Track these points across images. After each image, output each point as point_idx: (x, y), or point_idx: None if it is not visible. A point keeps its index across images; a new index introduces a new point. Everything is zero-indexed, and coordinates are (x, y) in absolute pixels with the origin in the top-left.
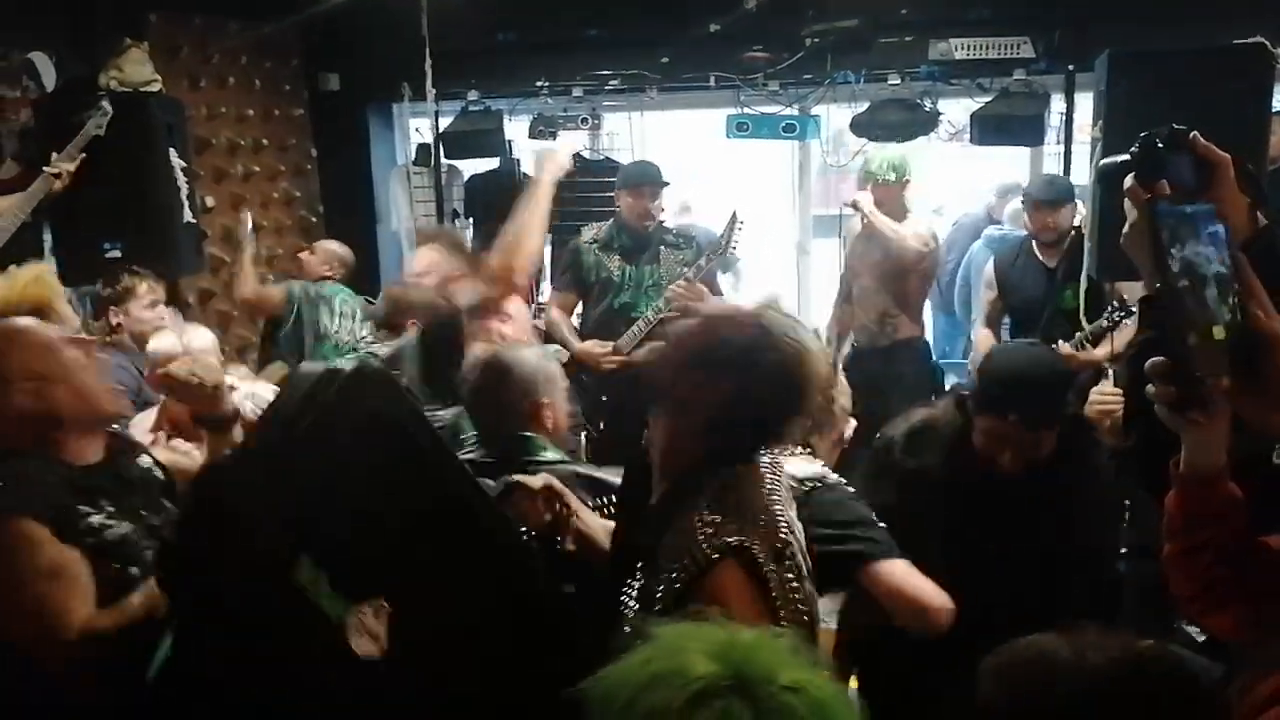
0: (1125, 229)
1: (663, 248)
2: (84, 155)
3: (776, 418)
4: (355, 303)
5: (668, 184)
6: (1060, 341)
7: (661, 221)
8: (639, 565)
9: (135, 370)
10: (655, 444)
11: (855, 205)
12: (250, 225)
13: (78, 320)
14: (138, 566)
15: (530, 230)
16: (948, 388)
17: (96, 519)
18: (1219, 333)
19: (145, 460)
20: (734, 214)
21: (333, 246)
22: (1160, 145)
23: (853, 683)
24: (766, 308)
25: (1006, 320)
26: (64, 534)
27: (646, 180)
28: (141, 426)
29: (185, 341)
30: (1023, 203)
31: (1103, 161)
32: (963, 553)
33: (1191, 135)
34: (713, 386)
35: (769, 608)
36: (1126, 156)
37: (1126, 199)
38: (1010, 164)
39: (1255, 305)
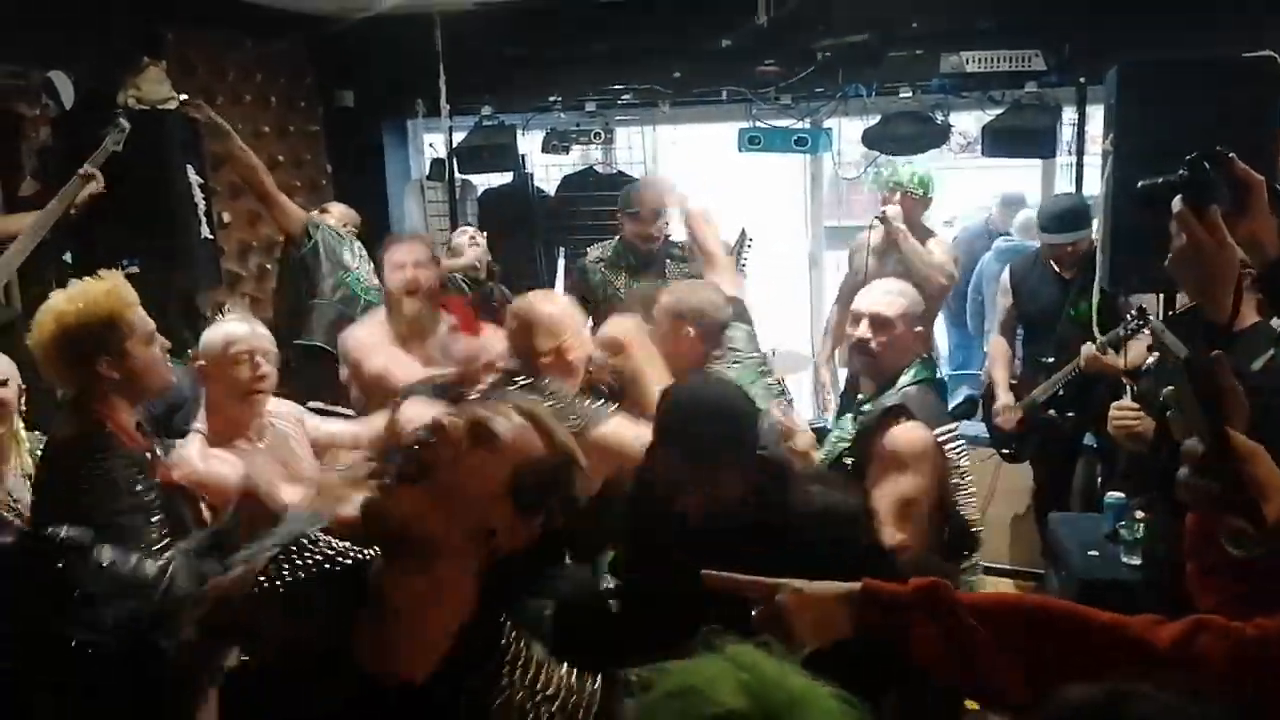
0: (1173, 249)
1: (668, 261)
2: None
3: None
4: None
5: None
6: (1085, 344)
7: (667, 236)
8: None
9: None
10: None
11: (884, 219)
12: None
13: (151, 325)
14: None
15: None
16: (955, 401)
17: None
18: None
19: None
20: (743, 230)
21: (345, 207)
22: (1209, 168)
23: None
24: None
25: (1020, 330)
26: None
27: (650, 201)
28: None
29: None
30: (1039, 231)
31: (1142, 183)
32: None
33: (1230, 157)
34: None
35: None
36: (1173, 178)
37: (1174, 221)
38: (1022, 176)
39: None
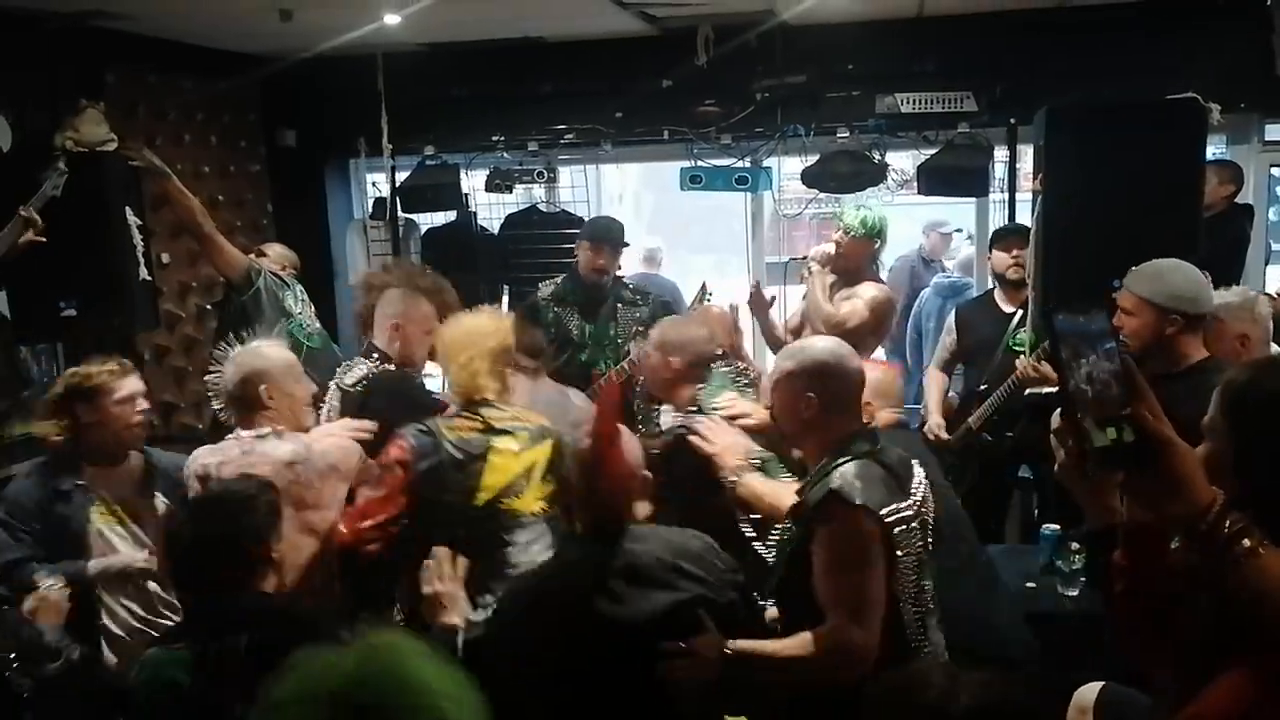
0: (1056, 467)
1: (619, 305)
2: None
3: None
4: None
5: (628, 245)
6: (1019, 359)
7: (619, 276)
8: None
9: None
10: None
11: (805, 260)
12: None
13: None
14: None
15: None
16: None
17: None
18: (1111, 434)
19: None
20: (703, 285)
21: (283, 248)
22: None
23: None
24: None
25: (961, 367)
26: None
27: (607, 238)
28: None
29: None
30: (991, 243)
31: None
32: None
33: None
34: None
35: None
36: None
37: (1053, 435)
38: (958, 213)
39: (1144, 409)
